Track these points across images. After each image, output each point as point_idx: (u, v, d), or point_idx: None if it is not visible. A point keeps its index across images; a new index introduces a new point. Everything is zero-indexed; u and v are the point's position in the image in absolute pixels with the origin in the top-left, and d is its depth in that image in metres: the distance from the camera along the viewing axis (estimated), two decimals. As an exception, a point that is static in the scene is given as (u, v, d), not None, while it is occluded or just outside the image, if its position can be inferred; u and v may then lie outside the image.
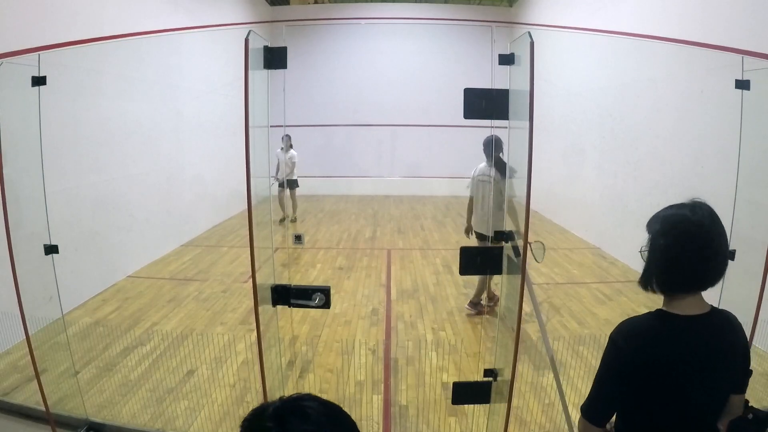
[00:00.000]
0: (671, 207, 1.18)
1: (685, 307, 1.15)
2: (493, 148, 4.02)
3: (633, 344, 1.14)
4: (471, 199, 4.40)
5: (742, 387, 1.22)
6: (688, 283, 1.14)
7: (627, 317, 1.20)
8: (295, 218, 8.34)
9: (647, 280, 1.19)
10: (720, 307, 1.20)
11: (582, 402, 1.25)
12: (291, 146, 7.76)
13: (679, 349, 1.12)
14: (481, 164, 4.21)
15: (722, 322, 1.17)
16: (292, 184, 7.96)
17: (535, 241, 4.75)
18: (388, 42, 11.51)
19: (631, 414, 1.19)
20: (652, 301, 1.23)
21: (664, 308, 1.18)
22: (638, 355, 1.12)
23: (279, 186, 7.88)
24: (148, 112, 5.84)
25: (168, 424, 2.71)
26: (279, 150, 7.64)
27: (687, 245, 1.12)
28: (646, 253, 1.20)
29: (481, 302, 4.38)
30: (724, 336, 1.16)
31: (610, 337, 1.18)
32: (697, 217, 1.12)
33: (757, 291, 2.68)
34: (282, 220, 8.08)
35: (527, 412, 2.82)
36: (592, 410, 1.21)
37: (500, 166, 3.91)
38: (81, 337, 3.79)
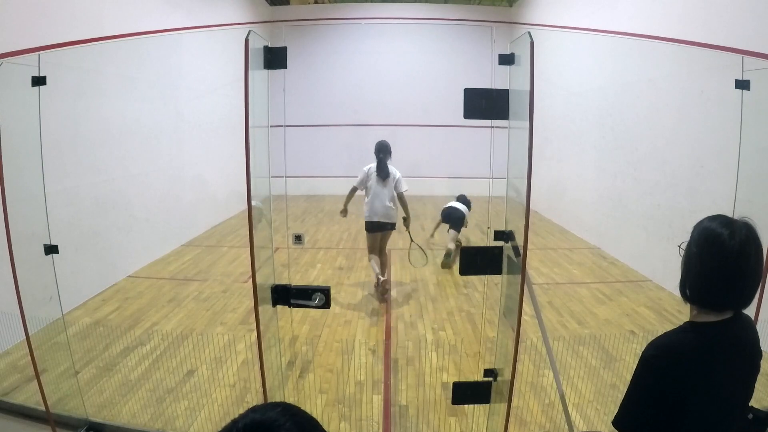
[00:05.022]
0: (715, 219, 1.15)
1: (712, 315, 1.15)
2: None
3: (672, 360, 1.13)
4: None
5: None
6: (719, 305, 1.14)
7: (646, 327, 1.19)
8: None
9: (682, 289, 1.19)
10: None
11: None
12: None
13: (713, 357, 1.13)
14: None
15: (745, 323, 1.19)
16: None
17: (413, 245, 4.98)
18: (388, 42, 11.50)
19: (667, 428, 1.17)
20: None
21: (693, 319, 1.18)
22: (676, 371, 1.12)
23: None
24: (148, 112, 5.84)
25: (168, 424, 2.71)
26: None
27: (718, 270, 1.11)
28: (683, 253, 1.20)
29: None
30: (748, 336, 1.18)
31: (644, 356, 1.16)
32: (733, 242, 1.10)
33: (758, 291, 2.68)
34: None
35: (527, 412, 2.82)
36: (634, 426, 1.18)
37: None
38: (81, 337, 3.79)
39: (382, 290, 4.82)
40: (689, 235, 1.19)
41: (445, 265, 5.86)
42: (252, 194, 1.80)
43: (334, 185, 11.46)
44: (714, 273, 1.12)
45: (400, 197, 4.90)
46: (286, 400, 0.78)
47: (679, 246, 1.22)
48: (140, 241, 5.68)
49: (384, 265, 5.05)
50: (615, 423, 1.20)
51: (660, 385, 1.13)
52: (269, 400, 2.00)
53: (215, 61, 7.65)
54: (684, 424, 1.14)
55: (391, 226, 4.92)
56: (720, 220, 1.14)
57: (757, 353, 1.19)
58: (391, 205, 4.85)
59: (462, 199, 6.77)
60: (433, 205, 10.30)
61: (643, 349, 1.18)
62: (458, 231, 6.39)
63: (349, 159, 11.89)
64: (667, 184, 5.18)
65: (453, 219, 6.40)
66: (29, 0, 3.82)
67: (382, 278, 4.78)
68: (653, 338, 1.19)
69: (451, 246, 6.09)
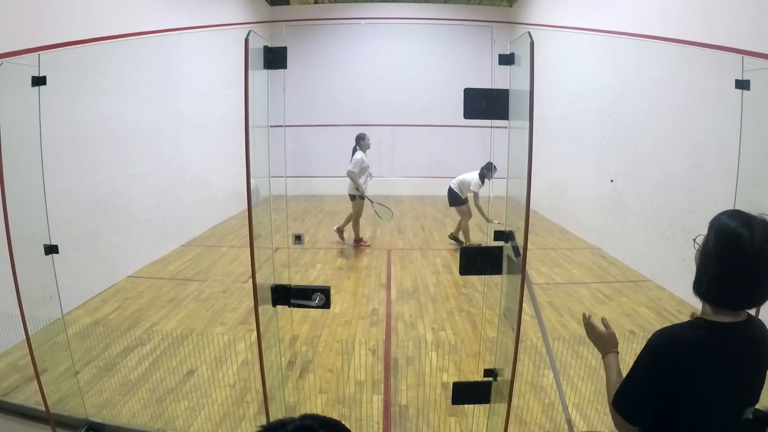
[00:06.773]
0: (735, 216, 1.12)
1: (727, 315, 1.14)
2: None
3: (676, 353, 1.12)
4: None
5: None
6: (735, 305, 1.13)
7: (661, 325, 1.17)
8: None
9: (697, 286, 1.17)
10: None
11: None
12: None
13: (721, 357, 1.12)
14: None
15: (759, 330, 1.17)
16: None
17: (378, 204, 6.50)
18: (388, 42, 11.50)
19: (664, 418, 1.17)
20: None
21: (705, 317, 1.16)
22: (678, 364, 1.11)
23: None
24: (148, 112, 5.84)
25: (168, 424, 2.72)
26: None
27: (737, 270, 1.09)
28: (698, 250, 1.18)
29: None
30: (760, 344, 1.16)
31: (649, 343, 1.15)
32: (754, 242, 1.07)
33: None
34: None
35: (527, 412, 2.82)
36: (632, 410, 1.18)
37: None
38: (81, 337, 3.79)
39: (337, 232, 7.07)
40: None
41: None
42: (252, 193, 1.80)
43: (334, 185, 11.45)
44: (732, 273, 1.10)
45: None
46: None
47: (694, 240, 1.20)
48: (140, 241, 5.68)
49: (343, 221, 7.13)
50: (613, 403, 1.21)
51: (660, 374, 1.12)
52: (269, 401, 2.01)
53: (215, 61, 7.65)
54: (680, 417, 1.14)
55: (349, 197, 6.73)
56: (739, 218, 1.11)
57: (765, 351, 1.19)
58: (348, 179, 6.63)
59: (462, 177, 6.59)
60: (432, 205, 10.31)
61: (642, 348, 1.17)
62: (455, 206, 6.55)
63: (349, 159, 11.92)
64: (667, 184, 5.18)
65: (449, 198, 6.61)
66: (29, 0, 3.82)
67: (336, 227, 7.10)
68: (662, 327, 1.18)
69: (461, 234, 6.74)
